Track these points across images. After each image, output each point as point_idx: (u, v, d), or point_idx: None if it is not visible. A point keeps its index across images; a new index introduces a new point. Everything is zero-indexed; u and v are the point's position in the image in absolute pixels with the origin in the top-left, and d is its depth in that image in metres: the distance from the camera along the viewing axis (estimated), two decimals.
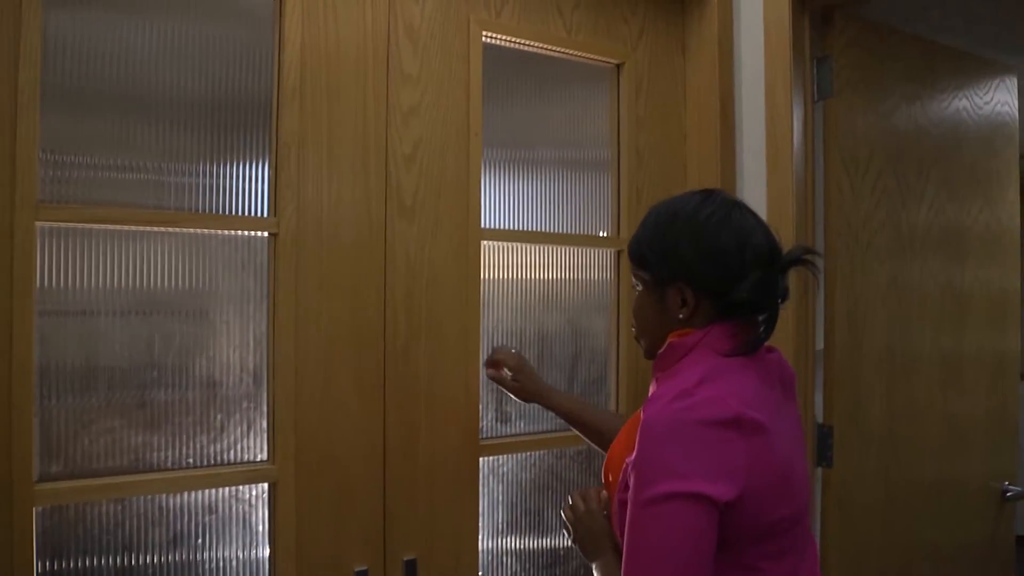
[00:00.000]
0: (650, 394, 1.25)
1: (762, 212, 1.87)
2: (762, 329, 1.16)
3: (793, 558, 1.14)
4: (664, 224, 1.21)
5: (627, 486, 1.10)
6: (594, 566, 1.23)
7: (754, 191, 1.90)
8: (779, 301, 1.17)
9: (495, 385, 1.69)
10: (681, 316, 1.18)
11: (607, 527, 1.22)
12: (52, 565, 1.32)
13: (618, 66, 1.92)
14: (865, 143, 2.01)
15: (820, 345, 1.93)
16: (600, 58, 1.89)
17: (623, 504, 1.11)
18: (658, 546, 1.03)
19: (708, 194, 1.21)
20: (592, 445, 1.64)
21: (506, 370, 1.64)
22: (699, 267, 1.16)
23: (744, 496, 1.04)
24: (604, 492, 1.25)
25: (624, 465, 1.13)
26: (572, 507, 1.28)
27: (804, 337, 1.86)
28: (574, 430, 1.64)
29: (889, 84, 2.06)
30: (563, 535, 1.82)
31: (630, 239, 1.27)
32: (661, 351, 1.21)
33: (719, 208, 1.18)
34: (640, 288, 1.26)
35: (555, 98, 1.87)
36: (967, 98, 2.25)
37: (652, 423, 1.07)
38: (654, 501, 1.03)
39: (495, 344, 1.74)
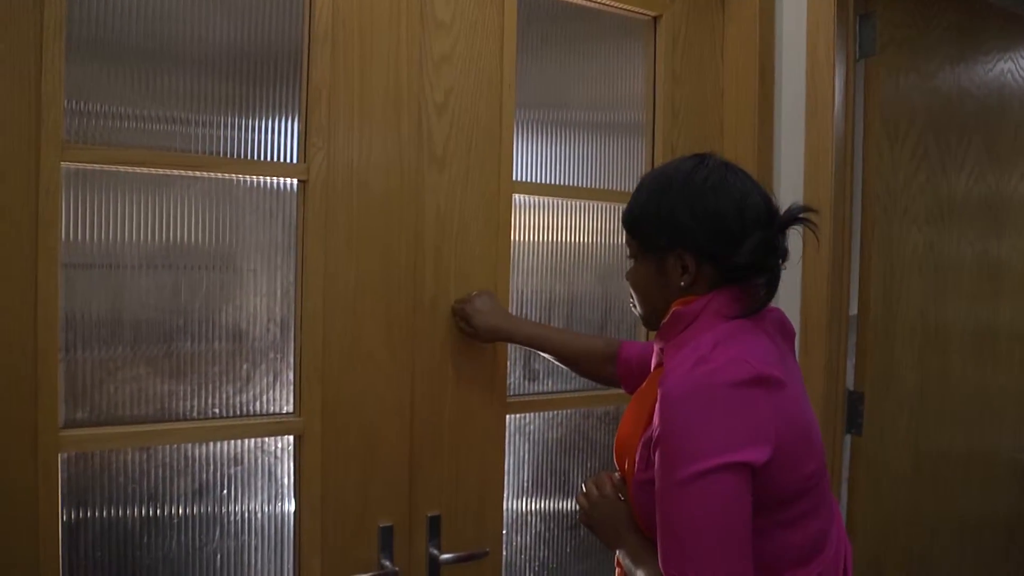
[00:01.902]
0: (653, 364, 1.23)
1: (799, 173, 1.83)
2: (764, 292, 1.13)
3: (824, 513, 1.14)
4: (659, 192, 1.17)
5: (648, 464, 1.07)
6: (619, 552, 1.19)
7: (791, 151, 1.85)
8: (780, 262, 1.14)
9: None
10: (683, 284, 1.15)
11: (627, 511, 1.18)
12: (77, 513, 1.30)
13: (655, 19, 1.86)
14: (906, 105, 1.95)
15: (854, 310, 1.90)
16: (637, 9, 1.83)
17: (644, 484, 1.08)
18: (700, 523, 1.00)
19: (701, 158, 1.18)
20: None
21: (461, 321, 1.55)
22: (698, 232, 1.13)
23: (776, 455, 1.02)
24: (618, 475, 1.22)
25: (640, 442, 1.10)
26: (586, 494, 1.25)
27: (838, 302, 1.82)
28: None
29: (933, 44, 2.00)
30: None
31: (624, 209, 1.24)
32: (665, 320, 1.17)
33: (713, 171, 1.15)
34: (636, 258, 1.22)
35: (590, 51, 1.82)
36: (1012, 60, 2.18)
37: (676, 394, 1.03)
38: (691, 479, 0.99)
39: (525, 302, 1.71)
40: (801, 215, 1.13)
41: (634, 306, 1.26)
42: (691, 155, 1.20)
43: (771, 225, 1.13)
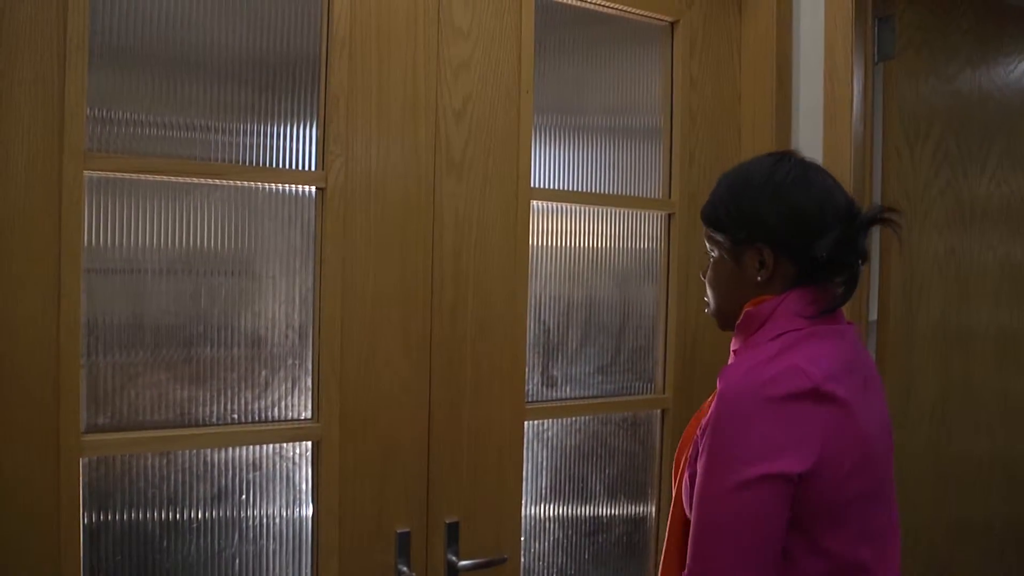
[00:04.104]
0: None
1: None
2: (841, 290, 1.12)
3: (869, 548, 1.08)
4: (739, 187, 1.17)
5: (698, 454, 1.07)
6: None
7: (809, 155, 1.82)
8: (859, 261, 1.12)
9: (541, 348, 1.66)
10: (760, 279, 1.15)
11: None
12: (99, 517, 1.32)
13: (672, 24, 1.86)
14: (926, 108, 1.93)
15: (873, 316, 1.88)
16: (654, 15, 1.83)
17: (694, 477, 1.08)
18: (728, 535, 1.01)
19: (781, 156, 1.18)
20: None
21: None
22: (778, 226, 1.12)
23: (819, 468, 1.00)
24: None
25: (698, 431, 1.10)
26: None
27: (857, 307, 1.80)
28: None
29: (953, 45, 1.98)
30: (606, 502, 1.80)
31: (703, 206, 1.23)
32: (739, 322, 1.17)
33: (794, 168, 1.15)
34: (715, 254, 1.22)
35: (607, 57, 1.82)
36: None
37: (727, 394, 1.04)
38: (727, 491, 1.00)
39: (543, 307, 1.71)
40: (883, 215, 1.12)
41: (708, 306, 1.26)
42: (771, 153, 1.21)
43: (852, 222, 1.12)
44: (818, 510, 1.02)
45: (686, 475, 1.12)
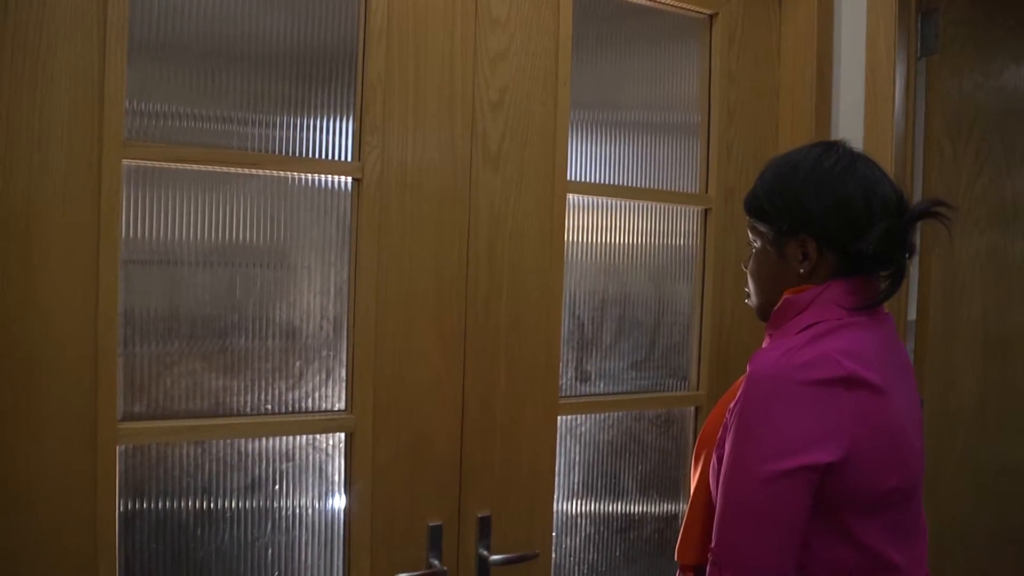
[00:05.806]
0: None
1: None
2: (886, 284, 1.10)
3: (901, 542, 1.07)
4: (784, 176, 1.14)
5: (724, 441, 1.06)
6: None
7: None
8: (906, 256, 1.10)
9: (575, 342, 1.65)
10: (802, 271, 1.12)
11: None
12: (134, 504, 1.32)
13: (711, 16, 1.84)
14: (970, 104, 1.90)
15: (912, 315, 1.85)
16: (692, 8, 1.80)
17: (723, 458, 1.07)
18: (756, 519, 1.00)
19: (829, 146, 1.16)
20: None
21: None
22: (823, 218, 1.09)
23: (850, 457, 0.99)
24: None
25: (727, 414, 1.09)
26: None
27: (896, 307, 1.77)
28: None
29: (998, 41, 1.94)
30: (638, 499, 1.79)
31: (746, 194, 1.21)
32: (777, 308, 1.15)
33: (842, 158, 1.12)
34: (758, 244, 1.19)
35: (645, 50, 1.80)
36: None
37: (758, 376, 1.03)
38: (755, 480, 1.00)
39: (578, 302, 1.70)
40: (933, 208, 1.10)
41: (748, 297, 1.24)
42: (819, 142, 1.18)
43: (900, 216, 1.09)
44: (850, 498, 1.01)
45: (714, 456, 1.11)
